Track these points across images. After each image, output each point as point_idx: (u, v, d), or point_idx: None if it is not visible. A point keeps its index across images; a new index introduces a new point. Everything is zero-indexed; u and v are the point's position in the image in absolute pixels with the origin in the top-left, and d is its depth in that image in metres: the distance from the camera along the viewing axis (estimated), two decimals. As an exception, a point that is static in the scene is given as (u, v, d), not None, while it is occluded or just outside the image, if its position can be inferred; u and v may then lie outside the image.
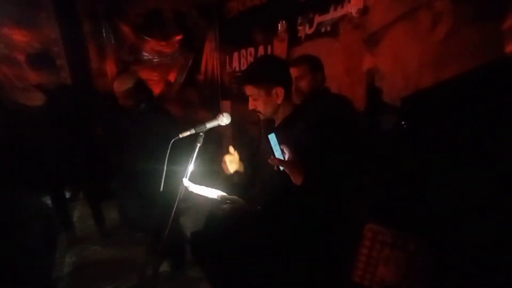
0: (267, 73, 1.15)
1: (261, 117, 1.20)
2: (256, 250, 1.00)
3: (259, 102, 1.16)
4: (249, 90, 1.17)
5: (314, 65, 1.77)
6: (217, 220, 1.09)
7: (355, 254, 0.45)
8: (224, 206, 0.96)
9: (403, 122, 0.49)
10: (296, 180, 0.91)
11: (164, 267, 2.13)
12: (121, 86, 1.99)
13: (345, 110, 1.72)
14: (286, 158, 0.95)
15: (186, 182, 1.01)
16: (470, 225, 0.36)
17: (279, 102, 1.15)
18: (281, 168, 0.93)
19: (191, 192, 1.00)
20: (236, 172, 1.35)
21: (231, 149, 1.33)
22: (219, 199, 0.96)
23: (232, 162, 1.32)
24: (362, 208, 0.50)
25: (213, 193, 0.98)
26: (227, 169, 1.31)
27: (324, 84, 1.86)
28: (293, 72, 1.66)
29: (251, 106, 1.19)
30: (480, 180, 0.36)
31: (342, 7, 2.08)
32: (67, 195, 2.98)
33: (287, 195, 1.00)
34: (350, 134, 1.28)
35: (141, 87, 2.05)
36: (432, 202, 0.39)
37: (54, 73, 2.47)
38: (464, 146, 0.38)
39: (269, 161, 0.94)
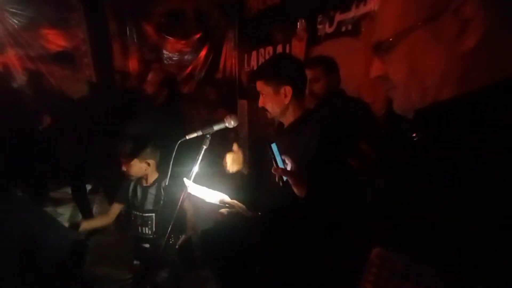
0: (277, 70, 1.13)
1: (269, 116, 1.17)
2: (251, 257, 0.97)
3: (267, 100, 1.13)
4: (259, 85, 1.15)
5: (329, 66, 1.71)
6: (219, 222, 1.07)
7: (359, 280, 0.40)
8: (222, 210, 0.93)
9: (414, 134, 0.43)
10: (299, 192, 0.87)
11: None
12: (155, 76, 2.18)
13: (361, 114, 1.63)
14: (289, 169, 0.92)
15: (187, 182, 0.99)
16: (497, 259, 0.31)
17: (286, 102, 1.11)
18: (284, 178, 0.89)
19: (190, 193, 0.98)
20: (238, 172, 1.32)
21: (235, 147, 1.31)
22: (219, 203, 0.93)
23: (235, 161, 1.30)
24: (369, 230, 0.45)
25: (214, 195, 0.95)
26: (228, 167, 1.29)
27: (339, 85, 1.78)
28: (308, 74, 1.60)
29: (260, 103, 1.16)
30: (501, 204, 0.30)
31: (365, 4, 1.99)
32: (88, 187, 3.10)
33: (289, 204, 0.96)
34: (360, 142, 1.21)
35: (169, 81, 2.24)
36: (447, 228, 0.34)
37: (74, 69, 2.65)
38: (484, 165, 0.33)
39: (272, 171, 0.91)
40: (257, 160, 1.36)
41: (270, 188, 1.17)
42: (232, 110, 3.62)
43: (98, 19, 3.93)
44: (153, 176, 1.76)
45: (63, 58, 2.48)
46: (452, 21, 0.37)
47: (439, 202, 0.36)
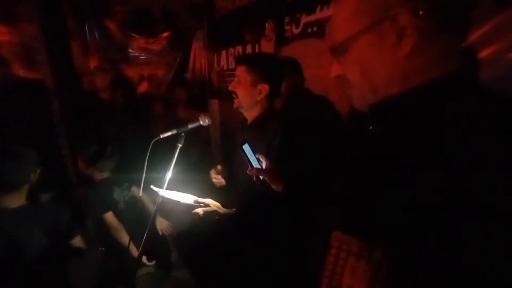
0: (264, 65, 1.16)
1: (235, 102, 1.18)
2: (229, 252, 1.00)
3: (241, 87, 1.15)
4: (240, 70, 1.16)
5: (291, 67, 1.77)
6: (195, 223, 1.08)
7: (324, 260, 0.45)
8: (198, 210, 0.94)
9: (371, 127, 0.49)
10: (277, 187, 0.90)
11: (149, 269, 2.10)
12: (102, 80, 2.02)
13: (324, 113, 1.72)
14: (264, 167, 0.94)
15: (155, 188, 0.99)
16: (432, 234, 0.36)
17: (258, 98, 1.14)
18: (261, 177, 0.92)
19: (163, 197, 0.98)
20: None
21: (219, 166, 1.32)
22: (194, 203, 0.94)
23: (223, 174, 1.32)
24: (331, 214, 0.49)
25: (186, 198, 0.96)
26: (219, 182, 1.30)
27: (303, 85, 1.85)
28: None
29: (231, 86, 1.18)
30: (439, 186, 0.36)
31: (328, 7, 2.08)
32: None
33: (261, 199, 0.99)
34: (325, 137, 1.28)
35: (119, 81, 2.09)
36: (394, 209, 0.39)
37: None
38: (427, 152, 0.39)
39: (248, 172, 0.93)
40: (228, 159, 1.38)
41: (242, 186, 1.20)
42: (203, 110, 3.58)
43: (53, 14, 3.66)
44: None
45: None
46: (391, 29, 0.43)
47: (392, 187, 0.42)
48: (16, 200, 1.25)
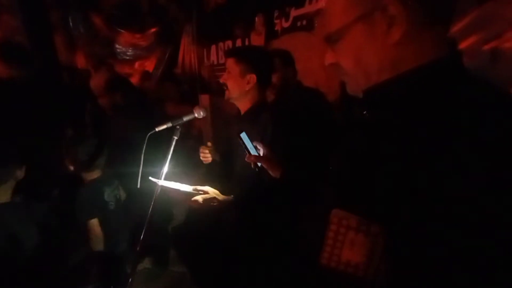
0: (250, 56, 1.20)
1: (226, 94, 1.23)
2: (230, 237, 1.03)
3: (230, 78, 1.20)
4: (229, 62, 1.20)
5: (284, 59, 1.80)
6: (194, 213, 1.11)
7: (322, 238, 0.48)
8: (197, 197, 0.96)
9: (365, 112, 0.52)
10: (274, 173, 0.92)
11: (146, 264, 2.10)
12: (98, 83, 1.93)
13: (315, 103, 1.76)
14: (261, 154, 0.97)
15: (154, 179, 1.01)
16: (423, 209, 0.40)
17: (247, 88, 1.18)
18: (259, 164, 0.94)
19: (163, 186, 0.99)
20: (214, 161, 1.39)
21: (209, 143, 1.37)
22: (193, 191, 0.96)
23: (211, 152, 1.37)
24: (329, 194, 0.52)
25: (185, 186, 0.98)
26: (206, 159, 1.36)
27: (296, 78, 1.88)
28: None
29: (222, 79, 1.23)
30: (430, 163, 0.39)
31: (317, 1, 2.11)
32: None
33: (257, 188, 1.02)
34: (317, 125, 1.33)
35: (118, 82, 2.00)
36: (388, 187, 0.43)
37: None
38: (418, 132, 0.42)
39: (246, 159, 0.95)
40: (223, 151, 1.41)
41: (238, 175, 1.23)
42: (193, 106, 3.56)
43: (36, 6, 3.52)
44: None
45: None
46: (382, 18, 0.45)
47: (386, 166, 0.45)
48: (2, 196, 1.24)
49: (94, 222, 1.60)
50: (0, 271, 1.16)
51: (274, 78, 1.78)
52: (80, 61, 3.96)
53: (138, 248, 1.02)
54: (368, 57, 0.49)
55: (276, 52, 1.85)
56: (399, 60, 0.47)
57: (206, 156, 1.35)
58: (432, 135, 0.40)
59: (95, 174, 1.69)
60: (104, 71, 2.07)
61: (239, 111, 1.28)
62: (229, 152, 1.29)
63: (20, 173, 1.28)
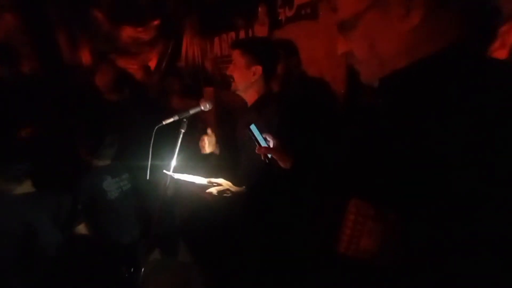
0: (256, 48, 1.21)
1: (232, 86, 1.24)
2: (246, 229, 1.04)
3: (236, 70, 1.20)
4: (235, 54, 1.21)
5: (287, 49, 1.78)
6: (206, 205, 1.13)
7: (340, 227, 0.48)
8: (212, 189, 0.98)
9: (380, 100, 0.51)
10: (285, 164, 0.93)
11: (155, 254, 2.14)
12: (103, 79, 1.94)
13: (321, 93, 1.75)
14: (271, 146, 0.97)
15: (168, 172, 1.03)
16: (442, 197, 0.39)
17: (252, 80, 1.19)
18: (269, 155, 0.95)
19: (177, 179, 1.01)
20: (212, 153, 1.41)
21: (209, 131, 1.38)
22: (207, 183, 0.98)
23: (210, 142, 1.38)
24: (345, 185, 0.52)
25: (199, 179, 1.00)
26: (204, 148, 1.37)
27: (300, 67, 1.87)
28: None
29: (229, 71, 1.24)
30: (447, 153, 0.39)
31: (322, -12, 2.07)
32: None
33: (268, 177, 1.04)
34: (324, 115, 1.33)
35: (124, 78, 2.01)
36: (404, 175, 0.43)
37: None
38: (440, 121, 0.41)
39: (256, 151, 0.96)
40: (228, 143, 1.42)
41: (245, 168, 1.24)
42: (198, 99, 3.56)
43: (35, 4, 3.51)
44: None
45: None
46: (399, 2, 0.44)
47: (400, 155, 0.44)
48: (19, 187, 1.28)
49: (81, 229, 1.60)
50: (21, 260, 1.21)
51: (278, 69, 1.77)
52: (85, 58, 3.95)
53: (149, 239, 1.05)
54: (383, 44, 0.48)
55: (279, 42, 1.83)
56: (415, 45, 0.46)
57: (203, 145, 1.37)
58: (452, 123, 0.40)
59: (101, 163, 1.73)
60: (108, 68, 2.07)
61: (246, 103, 1.28)
62: (233, 144, 1.30)
63: (34, 167, 1.32)
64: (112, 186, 1.74)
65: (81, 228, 1.49)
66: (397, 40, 0.47)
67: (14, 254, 1.18)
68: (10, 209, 1.23)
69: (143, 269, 1.18)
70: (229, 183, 1.03)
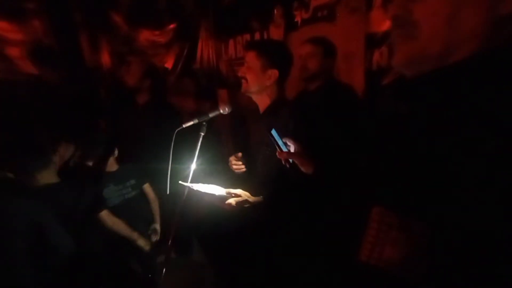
0: (274, 51, 1.18)
1: (244, 87, 1.21)
2: (266, 239, 1.04)
3: (251, 72, 1.18)
4: (250, 56, 1.18)
5: (328, 49, 1.76)
6: (222, 215, 1.13)
7: (361, 235, 0.47)
8: (231, 200, 0.98)
9: (404, 105, 0.49)
10: (307, 169, 0.91)
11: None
12: (137, 67, 2.11)
13: (345, 97, 1.73)
14: (292, 150, 0.96)
15: (185, 183, 1.03)
16: (467, 210, 0.38)
17: (268, 84, 1.17)
18: (290, 160, 0.94)
19: (197, 190, 1.02)
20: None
21: (240, 154, 1.35)
22: (226, 194, 0.98)
23: (237, 165, 1.35)
24: (368, 192, 0.51)
25: (217, 189, 1.00)
26: (240, 169, 1.33)
27: (333, 70, 1.85)
28: (307, 48, 1.68)
29: (241, 72, 1.21)
30: (480, 164, 0.37)
31: (339, -11, 2.04)
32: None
33: (284, 184, 1.02)
34: (346, 119, 1.30)
35: (153, 72, 2.16)
36: (433, 185, 0.41)
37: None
38: (472, 130, 0.39)
39: (277, 155, 0.95)
40: (240, 148, 1.41)
41: (261, 173, 1.23)
42: (212, 101, 3.59)
43: (61, 9, 3.65)
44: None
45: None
46: None
47: (431, 164, 0.43)
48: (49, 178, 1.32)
49: (103, 214, 1.65)
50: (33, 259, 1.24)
51: (312, 62, 1.72)
52: (105, 60, 4.07)
53: (169, 242, 1.06)
54: (464, 20, 0.41)
55: (322, 39, 1.80)
56: (494, 34, 0.40)
57: (240, 166, 1.33)
58: (488, 135, 0.38)
59: (109, 167, 1.76)
60: (136, 61, 2.16)
61: (257, 106, 1.27)
62: (246, 152, 1.29)
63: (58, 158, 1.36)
64: (113, 194, 1.75)
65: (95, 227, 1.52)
66: (478, 23, 0.40)
67: (25, 253, 1.20)
68: (21, 208, 1.25)
69: (164, 270, 1.19)
70: (248, 194, 1.03)
